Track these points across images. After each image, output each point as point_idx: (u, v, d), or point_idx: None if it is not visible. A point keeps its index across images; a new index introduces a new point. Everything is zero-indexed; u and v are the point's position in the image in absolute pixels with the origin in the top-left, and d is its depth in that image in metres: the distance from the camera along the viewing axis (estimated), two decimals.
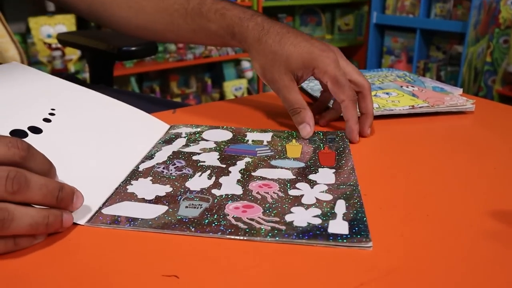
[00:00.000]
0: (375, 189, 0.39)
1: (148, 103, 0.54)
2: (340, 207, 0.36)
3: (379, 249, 0.31)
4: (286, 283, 0.27)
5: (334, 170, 0.43)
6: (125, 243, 0.31)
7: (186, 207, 0.36)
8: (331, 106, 0.59)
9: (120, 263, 0.29)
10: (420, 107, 0.60)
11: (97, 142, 0.44)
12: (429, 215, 0.35)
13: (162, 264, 0.29)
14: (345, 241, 0.31)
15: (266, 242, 0.31)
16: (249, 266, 0.29)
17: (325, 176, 0.42)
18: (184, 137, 0.51)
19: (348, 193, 0.38)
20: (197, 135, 0.52)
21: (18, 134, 0.39)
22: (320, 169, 0.43)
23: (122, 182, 0.40)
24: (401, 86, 0.69)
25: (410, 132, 0.55)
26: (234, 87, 2.76)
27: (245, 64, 2.78)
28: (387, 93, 0.66)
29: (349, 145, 0.50)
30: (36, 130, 0.41)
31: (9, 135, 0.35)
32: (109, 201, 0.37)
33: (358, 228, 0.33)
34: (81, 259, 0.30)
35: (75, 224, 0.33)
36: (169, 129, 0.53)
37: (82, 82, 1.00)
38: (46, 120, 0.43)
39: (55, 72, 1.96)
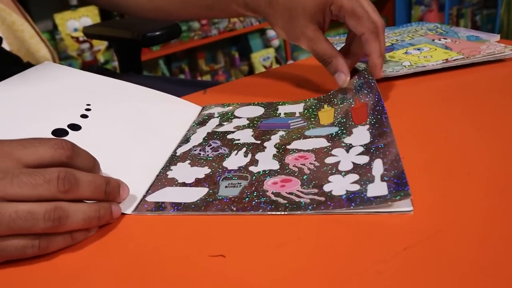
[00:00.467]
0: (413, 150, 0.39)
1: (179, 86, 0.55)
2: (378, 168, 0.35)
3: (420, 212, 0.30)
4: (330, 254, 0.28)
5: (368, 127, 0.42)
6: (170, 228, 0.33)
7: (226, 186, 0.37)
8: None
9: (168, 248, 0.30)
10: (454, 60, 0.58)
11: (134, 132, 0.46)
12: (470, 173, 0.34)
13: (208, 245, 0.30)
14: (385, 202, 0.31)
15: (307, 214, 0.32)
16: (292, 240, 0.29)
17: (360, 136, 0.41)
18: (217, 117, 0.52)
19: (385, 151, 0.37)
20: (229, 113, 0.52)
21: (59, 133, 0.41)
22: (354, 130, 0.43)
23: (162, 169, 0.41)
24: (433, 40, 0.66)
25: (446, 88, 0.53)
26: (262, 57, 2.74)
27: (271, 33, 2.73)
28: (418, 49, 0.64)
29: (378, 88, 0.47)
30: (75, 127, 0.43)
31: (52, 136, 0.37)
32: (151, 189, 0.38)
33: (398, 188, 0.32)
34: (132, 247, 0.31)
35: (122, 214, 0.34)
36: (201, 111, 0.54)
37: (112, 73, 1.02)
38: (84, 116, 0.45)
39: (86, 65, 2.01)
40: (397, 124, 0.44)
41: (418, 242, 0.27)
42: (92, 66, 1.72)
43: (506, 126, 0.41)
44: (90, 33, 0.98)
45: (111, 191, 0.33)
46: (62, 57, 1.99)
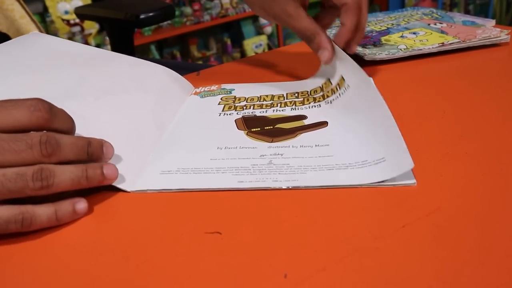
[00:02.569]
0: (410, 130, 0.38)
1: (172, 68, 0.54)
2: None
3: (419, 190, 0.30)
4: (328, 231, 0.27)
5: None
6: (166, 205, 0.32)
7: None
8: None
9: (163, 225, 0.30)
10: (450, 43, 0.57)
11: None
12: (468, 153, 0.34)
13: (204, 222, 0.30)
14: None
15: (308, 189, 0.32)
16: (290, 217, 0.29)
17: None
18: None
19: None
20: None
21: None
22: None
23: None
24: (429, 24, 0.66)
25: (442, 71, 0.53)
26: (254, 44, 2.72)
27: (263, 20, 2.71)
28: (414, 33, 0.63)
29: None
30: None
31: (28, 98, 0.34)
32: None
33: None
34: (126, 225, 0.31)
35: (116, 189, 0.34)
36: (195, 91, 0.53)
37: None
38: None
39: None
40: (394, 105, 0.43)
41: (417, 219, 0.27)
42: None
43: (501, 107, 0.41)
44: (82, 13, 0.96)
45: (94, 151, 0.32)
46: None
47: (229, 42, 2.71)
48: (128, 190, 0.34)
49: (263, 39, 2.74)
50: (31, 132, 0.29)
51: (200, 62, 2.58)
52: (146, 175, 0.36)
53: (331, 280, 0.24)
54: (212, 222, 0.29)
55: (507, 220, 0.27)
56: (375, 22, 0.71)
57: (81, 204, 0.31)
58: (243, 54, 2.72)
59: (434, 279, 0.23)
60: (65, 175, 0.30)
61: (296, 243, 0.27)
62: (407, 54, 0.57)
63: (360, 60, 0.52)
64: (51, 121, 0.30)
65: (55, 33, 1.97)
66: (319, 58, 0.49)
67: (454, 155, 0.34)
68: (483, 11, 2.47)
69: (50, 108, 0.30)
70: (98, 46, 2.08)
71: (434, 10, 0.74)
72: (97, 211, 0.32)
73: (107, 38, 2.07)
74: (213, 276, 0.25)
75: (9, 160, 0.28)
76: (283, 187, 0.32)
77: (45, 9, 1.96)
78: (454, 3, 2.55)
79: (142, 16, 0.76)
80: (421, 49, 0.57)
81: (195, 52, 2.60)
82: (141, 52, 2.39)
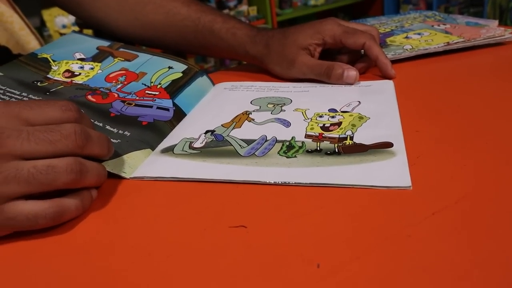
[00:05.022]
0: (426, 124, 0.38)
1: None
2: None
3: (445, 179, 0.30)
4: (356, 222, 0.27)
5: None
6: (188, 198, 0.32)
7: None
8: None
9: (186, 219, 0.29)
10: (455, 42, 0.58)
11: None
12: (488, 142, 0.34)
13: (228, 216, 0.29)
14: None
15: (323, 186, 0.31)
16: (315, 209, 0.28)
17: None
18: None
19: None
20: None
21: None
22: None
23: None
24: (432, 26, 0.66)
25: (449, 69, 0.53)
26: None
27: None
28: (418, 34, 0.64)
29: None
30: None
31: (58, 99, 0.37)
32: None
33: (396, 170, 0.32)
34: (151, 218, 0.30)
35: (138, 179, 0.34)
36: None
37: None
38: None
39: None
40: (405, 103, 0.43)
41: (445, 207, 0.27)
42: None
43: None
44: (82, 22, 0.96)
45: (111, 148, 0.34)
46: None
47: None
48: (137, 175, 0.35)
49: None
50: (66, 124, 0.30)
51: None
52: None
53: (365, 268, 0.23)
54: (235, 215, 0.29)
55: None
56: (379, 25, 0.71)
57: (95, 192, 0.32)
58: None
59: (468, 262, 0.22)
60: (94, 171, 0.31)
61: (325, 234, 0.26)
62: (413, 54, 0.57)
63: None
64: (80, 120, 0.31)
65: None
66: (346, 82, 0.50)
67: (473, 146, 0.34)
68: None
69: (78, 109, 0.31)
70: None
71: (436, 13, 0.75)
72: (115, 206, 0.32)
73: None
74: (243, 270, 0.24)
75: (43, 150, 0.28)
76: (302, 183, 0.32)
77: (43, 23, 1.97)
78: (449, 12, 2.58)
79: None
80: (426, 49, 0.57)
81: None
82: None
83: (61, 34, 1.96)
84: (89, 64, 0.51)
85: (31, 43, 0.98)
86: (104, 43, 0.55)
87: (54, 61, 0.51)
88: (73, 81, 0.48)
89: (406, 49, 0.58)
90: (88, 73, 0.50)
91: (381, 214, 0.27)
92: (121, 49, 0.55)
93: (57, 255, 0.27)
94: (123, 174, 0.35)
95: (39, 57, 0.52)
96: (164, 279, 0.24)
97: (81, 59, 0.52)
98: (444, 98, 0.44)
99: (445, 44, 0.58)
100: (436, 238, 0.25)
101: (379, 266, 0.23)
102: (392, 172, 0.31)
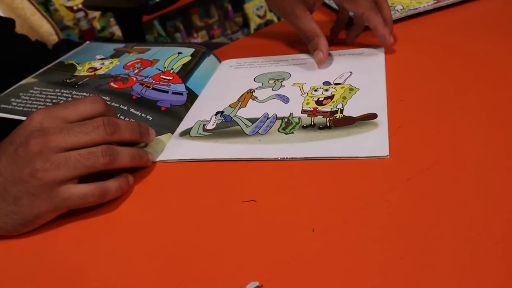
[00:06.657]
0: (410, 89, 0.43)
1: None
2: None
3: (418, 145, 0.35)
4: (343, 191, 0.33)
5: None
6: (204, 177, 0.38)
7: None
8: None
9: (203, 197, 0.36)
10: None
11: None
12: (463, 108, 0.39)
13: (240, 191, 0.35)
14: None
15: (318, 159, 0.37)
16: (310, 182, 0.34)
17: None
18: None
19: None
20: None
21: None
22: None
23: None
24: None
25: (439, 27, 0.56)
26: (255, 7, 2.70)
27: None
28: None
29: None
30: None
31: (85, 94, 0.46)
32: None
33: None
34: (169, 196, 0.37)
35: (162, 161, 0.42)
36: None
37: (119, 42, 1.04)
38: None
39: (84, 34, 2.01)
40: (393, 69, 0.48)
41: (419, 172, 0.32)
42: (98, 39, 1.72)
43: (498, 60, 0.45)
44: (91, 5, 0.99)
45: (144, 131, 0.40)
46: (59, 29, 1.98)
47: (229, 7, 2.70)
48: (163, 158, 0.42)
49: (263, 1, 2.72)
50: (96, 118, 0.37)
51: (204, 31, 2.59)
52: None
53: (351, 230, 0.29)
54: (245, 191, 0.35)
55: (504, 168, 0.32)
56: None
57: (131, 177, 0.39)
58: (245, 18, 2.71)
59: (435, 223, 0.28)
60: (126, 153, 0.38)
61: (319, 203, 0.32)
62: (404, 15, 0.60)
63: None
64: (107, 110, 0.39)
65: (60, 21, 2.00)
66: (314, 58, 0.53)
67: (450, 111, 0.39)
68: None
69: (104, 101, 0.39)
70: (103, 28, 2.11)
71: None
72: (148, 187, 0.39)
73: (111, 19, 2.09)
74: (255, 236, 0.31)
75: (82, 140, 0.35)
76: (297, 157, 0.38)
77: None
78: None
79: (150, 3, 0.80)
80: (416, 8, 0.60)
81: (197, 22, 2.60)
82: (146, 30, 2.40)
83: (67, 8, 1.99)
84: (108, 60, 0.59)
85: (44, 26, 1.03)
86: (120, 46, 0.63)
87: (78, 63, 0.59)
88: (96, 73, 0.54)
89: (397, 10, 0.61)
90: (108, 66, 0.56)
91: (364, 182, 0.33)
92: (135, 47, 0.62)
93: (107, 231, 0.35)
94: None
95: (65, 63, 0.60)
96: (196, 248, 0.31)
97: (101, 59, 0.59)
98: (431, 61, 0.48)
99: (435, 1, 0.60)
100: (409, 202, 0.30)
101: (362, 227, 0.29)
102: (373, 143, 0.37)
